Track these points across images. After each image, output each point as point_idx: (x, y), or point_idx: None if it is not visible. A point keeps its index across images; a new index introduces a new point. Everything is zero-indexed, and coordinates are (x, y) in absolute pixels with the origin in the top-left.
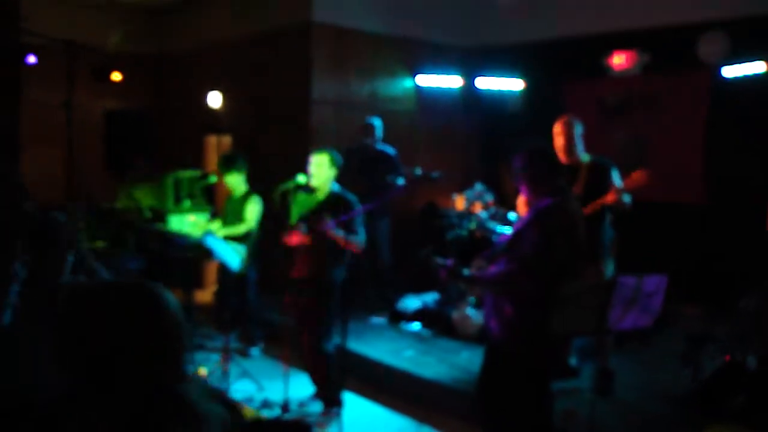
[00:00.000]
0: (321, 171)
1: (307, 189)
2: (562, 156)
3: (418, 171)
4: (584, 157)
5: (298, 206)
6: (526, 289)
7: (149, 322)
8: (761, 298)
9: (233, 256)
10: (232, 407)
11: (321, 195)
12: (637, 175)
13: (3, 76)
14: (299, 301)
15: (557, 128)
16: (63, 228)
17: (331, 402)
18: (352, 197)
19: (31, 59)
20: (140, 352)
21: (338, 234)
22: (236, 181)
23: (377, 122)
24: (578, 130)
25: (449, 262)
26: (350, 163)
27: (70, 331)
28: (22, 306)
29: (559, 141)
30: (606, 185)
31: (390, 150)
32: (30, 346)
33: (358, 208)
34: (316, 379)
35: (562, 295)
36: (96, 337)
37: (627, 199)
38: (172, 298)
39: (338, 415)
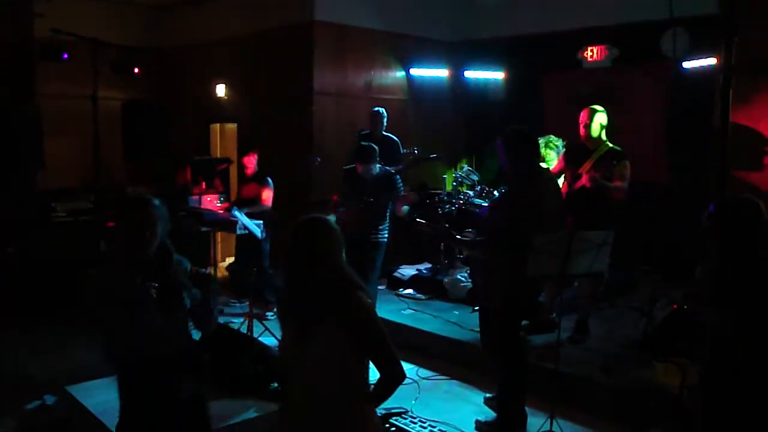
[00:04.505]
0: (368, 171)
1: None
2: (582, 139)
3: (416, 151)
4: (605, 143)
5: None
6: (497, 253)
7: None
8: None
9: (255, 227)
10: None
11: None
12: None
13: (20, 70)
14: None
15: (581, 116)
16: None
17: None
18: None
19: (65, 56)
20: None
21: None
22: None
23: (384, 112)
24: (599, 118)
25: (445, 226)
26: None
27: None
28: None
29: (581, 126)
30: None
31: (394, 137)
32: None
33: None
34: None
35: (535, 246)
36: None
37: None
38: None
39: None
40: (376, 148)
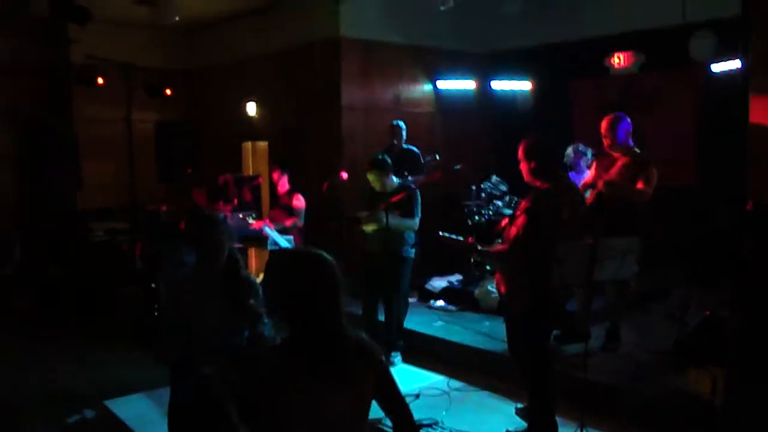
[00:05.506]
0: (379, 182)
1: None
2: (606, 148)
3: (437, 157)
4: (629, 150)
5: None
6: (518, 263)
7: (326, 276)
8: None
9: (286, 243)
10: None
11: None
12: None
13: (57, 95)
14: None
15: (603, 124)
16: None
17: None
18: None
19: (99, 80)
20: (321, 299)
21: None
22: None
23: (402, 124)
24: (623, 125)
25: (469, 239)
26: None
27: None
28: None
29: (603, 137)
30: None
31: (414, 149)
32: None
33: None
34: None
35: (559, 254)
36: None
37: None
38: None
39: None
40: (389, 160)
